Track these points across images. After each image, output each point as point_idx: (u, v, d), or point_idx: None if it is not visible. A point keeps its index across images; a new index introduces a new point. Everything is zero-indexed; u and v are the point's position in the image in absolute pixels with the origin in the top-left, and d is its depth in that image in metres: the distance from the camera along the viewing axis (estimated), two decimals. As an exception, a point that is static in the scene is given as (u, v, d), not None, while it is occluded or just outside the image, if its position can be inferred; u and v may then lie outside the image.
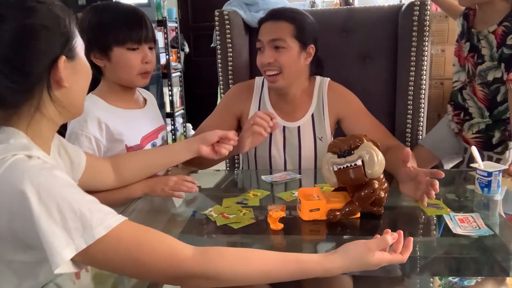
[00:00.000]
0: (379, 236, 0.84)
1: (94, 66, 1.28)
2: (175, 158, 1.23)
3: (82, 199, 0.73)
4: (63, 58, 0.79)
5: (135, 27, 1.25)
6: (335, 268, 0.80)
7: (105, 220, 0.72)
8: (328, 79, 1.60)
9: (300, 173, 1.50)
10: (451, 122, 1.81)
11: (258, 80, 1.62)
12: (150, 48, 1.30)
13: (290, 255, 0.81)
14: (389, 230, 0.85)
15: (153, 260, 0.74)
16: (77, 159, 1.04)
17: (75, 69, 0.83)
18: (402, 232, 0.84)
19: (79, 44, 0.85)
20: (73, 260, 0.70)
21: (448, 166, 1.89)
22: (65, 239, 0.69)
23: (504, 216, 1.17)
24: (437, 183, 1.07)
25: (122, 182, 1.19)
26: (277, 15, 1.47)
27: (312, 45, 1.48)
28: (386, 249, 0.83)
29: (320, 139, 1.54)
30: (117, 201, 1.23)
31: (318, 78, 1.59)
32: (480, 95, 1.65)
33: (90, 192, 0.79)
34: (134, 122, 1.33)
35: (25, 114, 0.79)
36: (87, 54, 1.26)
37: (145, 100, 1.44)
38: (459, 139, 1.79)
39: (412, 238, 0.85)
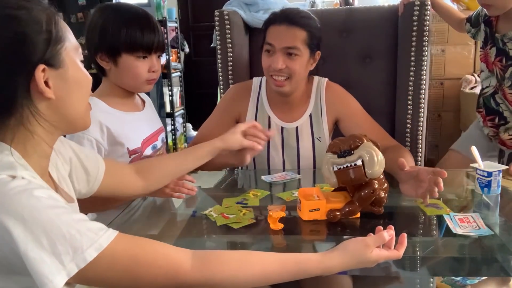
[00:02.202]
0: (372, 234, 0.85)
1: (97, 66, 1.28)
2: (199, 161, 1.18)
3: (70, 220, 0.67)
4: (42, 67, 0.71)
5: (147, 36, 1.22)
6: (335, 265, 0.80)
7: (96, 240, 0.68)
8: (326, 79, 1.60)
9: (299, 174, 1.50)
10: (484, 128, 1.81)
11: (255, 80, 1.62)
12: (158, 57, 1.29)
13: (289, 255, 0.81)
14: (381, 228, 0.86)
15: (152, 275, 0.72)
16: (94, 172, 0.98)
17: (63, 78, 0.75)
18: (393, 227, 0.85)
19: (68, 49, 0.76)
20: (66, 283, 0.66)
21: None
22: (55, 265, 0.64)
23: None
24: (441, 181, 1.06)
25: (149, 188, 1.12)
26: (291, 19, 1.42)
27: (319, 51, 1.48)
28: (381, 246, 0.84)
29: (318, 139, 1.54)
30: (117, 202, 1.23)
31: (316, 78, 1.59)
32: (510, 98, 1.65)
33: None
34: (134, 125, 1.32)
35: (10, 128, 0.73)
36: (94, 54, 1.26)
37: (143, 102, 1.43)
38: (495, 143, 1.79)
39: (405, 234, 0.86)
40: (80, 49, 0.81)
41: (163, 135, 1.45)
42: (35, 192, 0.67)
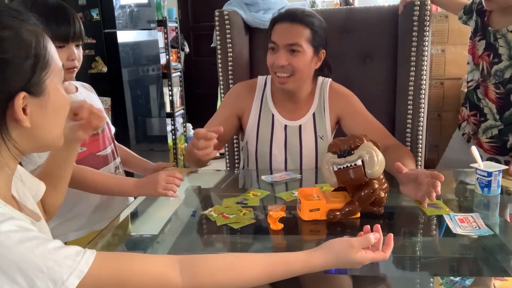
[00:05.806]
0: (362, 233, 0.85)
1: None
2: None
3: (45, 251, 0.62)
4: (22, 94, 0.66)
5: (62, 25, 1.25)
6: (319, 265, 0.80)
7: (75, 267, 0.63)
8: (330, 79, 1.61)
9: (301, 172, 1.51)
10: (466, 126, 1.78)
11: (260, 79, 1.63)
12: (77, 46, 1.32)
13: (278, 256, 0.81)
14: (369, 227, 0.86)
15: None
16: (33, 189, 0.90)
17: (43, 105, 0.70)
18: (380, 228, 0.85)
19: (53, 74, 0.71)
20: None
21: None
22: None
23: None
24: (439, 184, 1.07)
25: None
26: (294, 17, 1.45)
27: (323, 50, 1.49)
28: (369, 247, 0.83)
29: (321, 138, 1.55)
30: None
31: (320, 78, 1.60)
32: (492, 96, 1.63)
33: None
34: None
35: None
36: None
37: (76, 88, 1.44)
38: (472, 142, 1.75)
39: (392, 235, 0.85)
40: (63, 71, 0.76)
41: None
42: (2, 227, 0.62)
